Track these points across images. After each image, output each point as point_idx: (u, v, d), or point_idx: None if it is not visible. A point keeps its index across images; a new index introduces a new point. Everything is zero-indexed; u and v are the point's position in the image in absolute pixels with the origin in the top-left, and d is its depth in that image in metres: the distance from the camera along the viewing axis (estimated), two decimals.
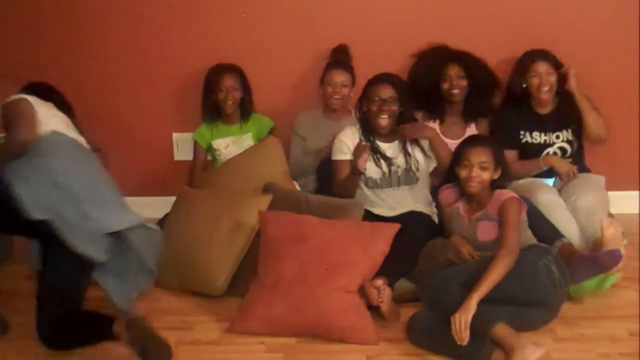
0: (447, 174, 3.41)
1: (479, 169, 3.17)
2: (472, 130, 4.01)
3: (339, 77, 4.01)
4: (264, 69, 4.21)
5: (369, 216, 3.58)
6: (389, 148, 3.70)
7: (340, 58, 4.12)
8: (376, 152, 3.67)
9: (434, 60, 4.06)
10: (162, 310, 3.38)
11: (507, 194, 3.19)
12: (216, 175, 3.92)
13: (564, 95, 3.94)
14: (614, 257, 3.17)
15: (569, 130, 3.94)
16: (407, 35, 4.19)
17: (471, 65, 3.98)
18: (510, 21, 4.22)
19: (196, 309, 3.38)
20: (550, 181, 3.90)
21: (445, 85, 3.97)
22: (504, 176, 3.27)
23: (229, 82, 4.06)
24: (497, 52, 4.13)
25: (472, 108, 4.03)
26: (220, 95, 4.07)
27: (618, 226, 3.45)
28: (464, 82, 3.97)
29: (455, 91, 3.96)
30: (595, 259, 3.21)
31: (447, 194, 3.40)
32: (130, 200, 4.49)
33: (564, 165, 3.81)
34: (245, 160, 3.88)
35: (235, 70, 4.10)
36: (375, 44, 4.22)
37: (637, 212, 4.23)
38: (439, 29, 4.18)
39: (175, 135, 4.46)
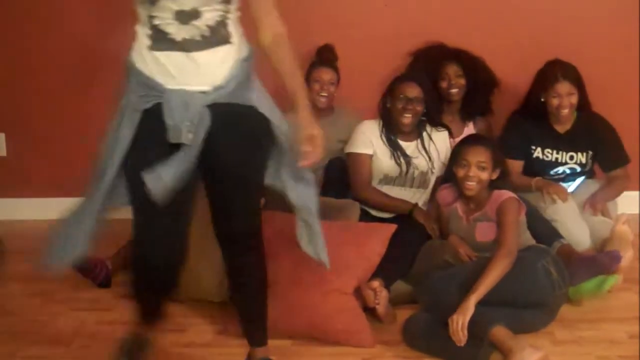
0: (446, 173, 3.38)
1: (477, 169, 3.14)
2: (470, 129, 3.98)
3: (326, 75, 3.99)
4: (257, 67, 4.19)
5: (365, 217, 3.55)
6: (409, 147, 3.68)
7: (326, 57, 4.10)
8: (396, 149, 3.64)
9: (431, 59, 4.04)
10: None
11: (505, 194, 3.16)
12: None
13: (585, 115, 3.85)
14: (614, 259, 3.15)
15: (585, 154, 3.86)
16: (404, 33, 4.17)
17: (469, 64, 3.96)
18: (508, 19, 4.21)
19: (190, 311, 3.34)
20: (567, 186, 3.86)
21: (444, 84, 3.95)
22: (503, 177, 3.24)
23: None
24: (495, 50, 4.11)
25: (470, 107, 4.01)
26: None
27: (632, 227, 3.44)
28: (462, 81, 3.94)
29: (454, 90, 3.93)
30: (594, 260, 3.20)
31: (445, 193, 3.37)
32: None
33: (553, 192, 3.66)
34: None
35: None
36: (373, 41, 4.20)
37: (637, 212, 4.20)
38: (437, 27, 4.16)
39: None
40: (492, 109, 4.08)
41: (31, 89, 4.44)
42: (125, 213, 4.36)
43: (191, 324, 3.24)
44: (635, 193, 4.32)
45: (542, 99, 3.76)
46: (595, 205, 3.71)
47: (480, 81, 3.99)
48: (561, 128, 3.84)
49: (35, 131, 4.49)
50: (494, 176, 3.19)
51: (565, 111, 3.74)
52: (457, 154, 3.22)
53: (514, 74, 4.09)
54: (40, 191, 4.55)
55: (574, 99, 3.73)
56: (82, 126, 4.42)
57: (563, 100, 3.71)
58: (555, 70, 3.73)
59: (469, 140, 3.30)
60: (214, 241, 3.39)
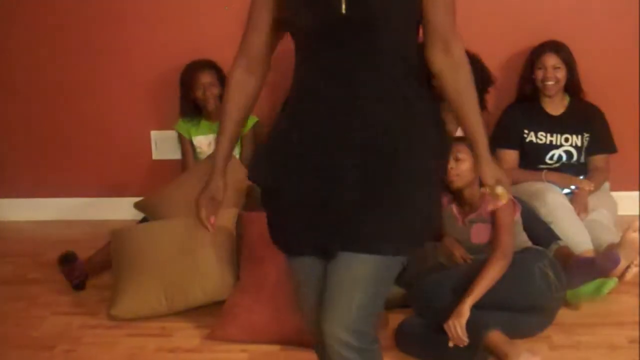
0: None
1: (455, 161, 3.12)
2: None
3: None
4: None
5: None
6: None
7: None
8: None
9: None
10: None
11: None
12: (166, 201, 3.71)
13: (578, 100, 3.88)
14: (612, 261, 3.08)
15: (580, 137, 3.85)
16: None
17: None
18: (506, 15, 4.14)
19: (176, 315, 3.27)
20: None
21: (437, 82, 3.86)
22: None
23: (206, 78, 4.00)
24: (492, 47, 4.04)
25: None
26: (199, 93, 4.01)
27: None
28: None
29: None
30: (592, 263, 3.13)
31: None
32: (107, 201, 4.55)
33: (566, 183, 3.75)
34: (193, 179, 3.76)
35: (211, 66, 4.03)
36: None
37: (638, 213, 4.13)
38: None
39: (153, 133, 4.39)
40: (487, 108, 4.01)
41: (16, 89, 4.41)
42: (107, 215, 4.42)
43: (177, 328, 3.18)
44: (635, 193, 4.27)
45: (533, 76, 3.85)
46: (580, 202, 3.66)
47: (476, 79, 3.88)
48: (554, 110, 3.88)
49: (18, 132, 4.47)
50: None
51: (550, 83, 3.79)
52: None
53: (511, 72, 4.04)
54: (23, 192, 4.52)
55: (560, 74, 3.80)
56: (66, 127, 4.40)
57: (548, 72, 3.79)
58: (544, 45, 3.86)
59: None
60: (200, 245, 3.36)
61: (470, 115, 2.00)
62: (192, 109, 4.07)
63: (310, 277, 2.02)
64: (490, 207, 2.87)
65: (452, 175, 3.12)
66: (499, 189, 2.02)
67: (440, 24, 1.96)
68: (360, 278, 1.92)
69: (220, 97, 4.04)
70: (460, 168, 3.12)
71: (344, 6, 1.84)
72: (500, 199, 2.03)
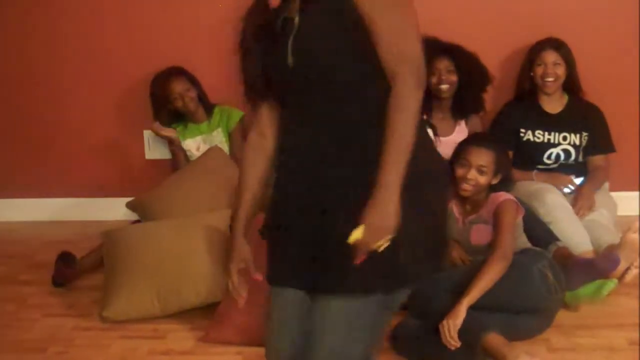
0: None
1: (476, 172, 3.05)
2: (461, 127, 3.89)
3: None
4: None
5: None
6: None
7: None
8: None
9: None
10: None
11: (503, 196, 3.07)
12: (158, 201, 3.71)
13: (577, 99, 3.87)
14: (612, 262, 3.06)
15: (578, 135, 3.83)
16: None
17: (462, 59, 3.84)
18: (505, 15, 4.12)
19: (169, 317, 3.25)
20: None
21: (434, 80, 3.82)
22: (505, 182, 3.13)
23: (180, 86, 3.97)
24: (490, 47, 4.02)
25: (462, 104, 3.90)
26: (178, 103, 3.98)
27: None
28: (454, 77, 3.83)
29: (444, 86, 3.82)
30: (592, 264, 3.11)
31: None
32: (100, 202, 4.53)
33: (558, 183, 3.73)
34: (190, 177, 3.76)
35: (179, 72, 4.01)
36: None
37: (638, 213, 4.11)
38: (429, 20, 4.04)
39: (146, 132, 4.36)
40: (485, 107, 3.99)
41: (7, 90, 4.41)
42: (100, 215, 4.40)
43: (171, 330, 3.16)
44: (635, 193, 4.26)
45: (532, 73, 3.83)
46: (582, 203, 3.65)
47: (473, 78, 3.89)
48: (552, 109, 3.86)
49: (10, 132, 4.46)
50: (495, 181, 3.09)
51: (550, 80, 3.77)
52: (459, 152, 3.13)
53: (509, 71, 4.02)
54: (15, 192, 4.53)
55: (560, 70, 3.78)
56: (59, 127, 4.39)
57: (548, 68, 3.77)
58: (544, 42, 3.84)
59: (476, 140, 3.20)
60: (194, 246, 3.33)
61: (387, 147, 1.81)
62: (172, 117, 4.05)
63: (287, 305, 2.00)
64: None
65: (468, 185, 3.05)
66: (360, 229, 1.74)
67: (385, 60, 1.85)
68: (328, 320, 1.88)
69: (199, 98, 4.02)
70: (480, 181, 3.05)
71: (290, 58, 1.86)
72: (351, 237, 1.75)
